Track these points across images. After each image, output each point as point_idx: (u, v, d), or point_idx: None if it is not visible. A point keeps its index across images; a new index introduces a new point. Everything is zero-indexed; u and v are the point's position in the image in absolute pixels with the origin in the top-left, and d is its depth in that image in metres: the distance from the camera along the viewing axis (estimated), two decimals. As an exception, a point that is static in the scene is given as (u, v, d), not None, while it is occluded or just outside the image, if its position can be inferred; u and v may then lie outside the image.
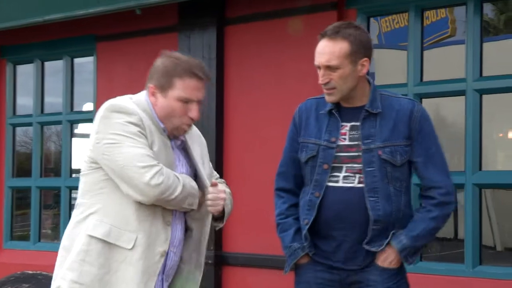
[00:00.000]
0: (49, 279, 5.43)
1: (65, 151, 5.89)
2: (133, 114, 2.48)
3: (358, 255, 2.72)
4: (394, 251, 2.69)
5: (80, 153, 5.71)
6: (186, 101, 2.53)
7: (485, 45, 4.08)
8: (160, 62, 2.57)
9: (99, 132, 2.49)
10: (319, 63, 2.69)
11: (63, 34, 5.77)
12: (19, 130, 6.36)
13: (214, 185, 2.60)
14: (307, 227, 2.75)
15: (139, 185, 2.41)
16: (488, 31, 4.32)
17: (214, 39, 4.89)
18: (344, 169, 2.72)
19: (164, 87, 2.53)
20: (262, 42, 4.81)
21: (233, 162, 4.86)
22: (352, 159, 2.71)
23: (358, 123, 2.72)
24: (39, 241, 6.05)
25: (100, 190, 2.51)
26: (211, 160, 2.86)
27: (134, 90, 2.67)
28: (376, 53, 4.63)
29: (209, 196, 2.58)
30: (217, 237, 4.79)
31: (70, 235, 2.56)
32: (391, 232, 2.70)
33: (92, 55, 5.74)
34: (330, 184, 2.72)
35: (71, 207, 5.79)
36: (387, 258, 2.71)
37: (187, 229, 2.65)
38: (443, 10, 4.36)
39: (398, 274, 2.74)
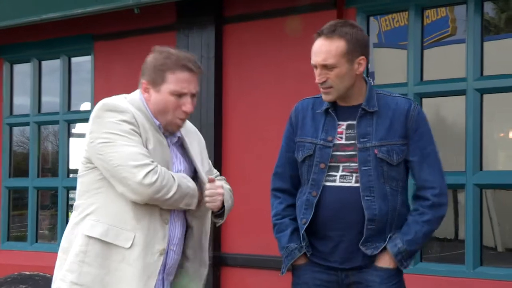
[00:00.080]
0: (46, 280, 5.45)
1: (62, 151, 5.87)
2: (125, 112, 2.48)
3: (355, 255, 2.71)
4: (389, 254, 2.69)
5: (78, 153, 5.69)
6: (179, 95, 2.53)
7: (485, 44, 4.08)
8: (151, 57, 2.58)
9: (92, 131, 2.50)
10: (315, 62, 2.69)
11: (60, 33, 5.76)
12: (16, 130, 6.34)
13: (211, 181, 2.60)
14: (305, 226, 2.73)
15: (132, 184, 2.41)
16: (489, 30, 4.31)
17: (212, 38, 4.88)
18: (341, 168, 2.71)
19: (156, 82, 2.54)
20: (261, 41, 4.80)
21: (232, 162, 4.85)
22: (348, 158, 2.70)
23: (354, 122, 2.72)
24: (36, 242, 6.03)
25: (97, 190, 2.51)
26: (209, 160, 2.85)
27: (132, 90, 2.67)
28: (376, 52, 4.63)
29: (207, 192, 2.57)
30: (215, 238, 4.77)
31: (68, 236, 2.55)
32: (388, 236, 2.69)
33: (90, 54, 5.72)
34: (327, 183, 2.71)
35: (68, 207, 5.79)
36: (381, 262, 2.70)
37: (187, 227, 2.64)
38: (443, 9, 4.35)
39: (397, 275, 2.73)
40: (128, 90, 2.67)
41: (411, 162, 2.72)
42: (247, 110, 4.83)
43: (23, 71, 6.22)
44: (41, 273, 5.50)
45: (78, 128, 6.05)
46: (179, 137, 2.66)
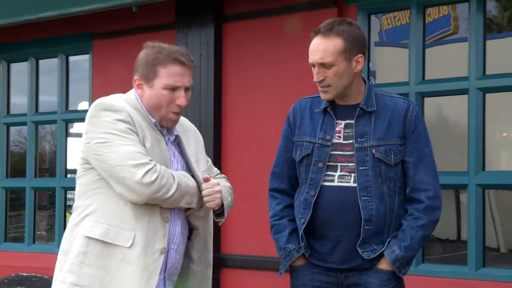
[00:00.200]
0: (44, 281, 5.42)
1: (60, 151, 5.84)
2: (120, 111, 2.46)
3: (354, 256, 2.70)
4: (387, 261, 2.68)
5: (75, 153, 5.65)
6: (172, 89, 2.52)
7: (488, 43, 4.05)
8: (143, 53, 2.57)
9: (88, 132, 2.49)
10: (313, 61, 2.69)
11: (58, 31, 5.73)
12: (13, 129, 6.31)
13: (206, 180, 2.58)
14: (304, 226, 2.72)
15: (131, 184, 2.39)
16: (491, 29, 4.30)
17: (212, 36, 4.86)
18: (339, 168, 2.70)
19: (149, 77, 2.52)
20: (260, 40, 4.78)
21: (231, 161, 4.83)
22: (347, 158, 2.70)
23: (352, 121, 2.71)
24: (33, 242, 6.00)
25: (95, 190, 2.50)
26: (209, 158, 2.82)
27: (131, 88, 2.65)
28: (377, 51, 4.61)
29: (204, 192, 2.56)
30: (215, 239, 4.72)
31: (68, 238, 2.55)
32: (387, 240, 2.68)
33: (88, 53, 5.70)
34: (326, 183, 2.70)
35: (66, 208, 5.77)
36: (380, 266, 2.70)
37: (192, 229, 2.63)
38: (445, 7, 4.33)
39: (397, 278, 2.72)
40: (127, 89, 2.66)
41: (407, 163, 2.71)
42: (247, 109, 4.82)
43: (20, 70, 6.19)
44: (39, 275, 5.49)
45: (76, 127, 6.03)
46: (176, 136, 2.64)
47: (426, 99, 4.22)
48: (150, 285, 2.45)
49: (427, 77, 4.24)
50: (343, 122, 2.73)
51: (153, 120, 2.54)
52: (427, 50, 4.26)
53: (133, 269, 2.43)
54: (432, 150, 2.75)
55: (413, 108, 2.73)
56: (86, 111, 5.88)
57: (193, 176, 2.59)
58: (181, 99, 2.53)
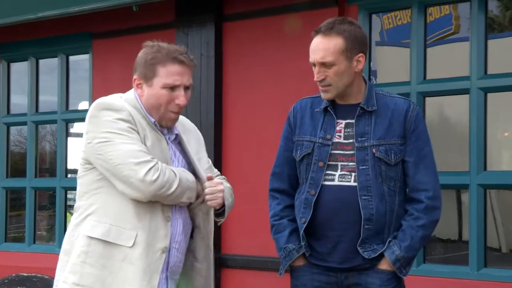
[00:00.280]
0: (44, 281, 5.42)
1: (60, 151, 5.84)
2: (121, 110, 2.46)
3: (354, 255, 2.70)
4: (387, 262, 2.67)
5: (76, 153, 5.65)
6: (171, 88, 2.51)
7: (489, 42, 4.04)
8: (142, 53, 2.57)
9: (89, 131, 2.49)
10: (314, 60, 2.69)
11: (58, 31, 5.73)
12: (13, 129, 6.30)
13: (209, 178, 2.59)
14: (305, 225, 2.72)
15: (134, 182, 2.40)
16: (493, 28, 4.29)
17: (212, 36, 4.85)
18: (339, 167, 2.70)
19: (148, 77, 2.52)
20: (261, 40, 4.77)
21: (231, 161, 4.83)
22: (347, 157, 2.69)
23: (353, 121, 2.71)
24: (34, 243, 6.00)
25: (97, 190, 2.50)
26: (209, 159, 2.82)
27: (131, 88, 2.64)
28: (378, 50, 4.60)
29: (207, 190, 2.56)
30: (215, 239, 4.71)
31: (70, 238, 2.55)
32: (387, 240, 2.68)
33: (88, 53, 5.69)
34: (326, 182, 2.70)
35: (66, 208, 5.77)
36: (381, 266, 2.69)
37: (194, 227, 2.64)
38: (446, 6, 4.32)
39: (397, 278, 2.72)
40: (127, 89, 2.65)
41: (407, 162, 2.71)
42: (247, 109, 4.81)
43: (20, 70, 6.18)
44: (39, 275, 5.48)
45: (76, 127, 6.02)
46: (177, 135, 2.64)
47: (427, 98, 4.21)
48: (151, 284, 2.45)
49: (428, 77, 4.23)
50: (344, 122, 2.73)
51: (152, 120, 2.54)
52: (429, 50, 4.25)
53: (135, 269, 2.43)
54: (432, 150, 2.75)
55: (414, 108, 2.73)
56: (86, 110, 5.87)
57: (196, 174, 2.60)
58: (181, 98, 2.52)
